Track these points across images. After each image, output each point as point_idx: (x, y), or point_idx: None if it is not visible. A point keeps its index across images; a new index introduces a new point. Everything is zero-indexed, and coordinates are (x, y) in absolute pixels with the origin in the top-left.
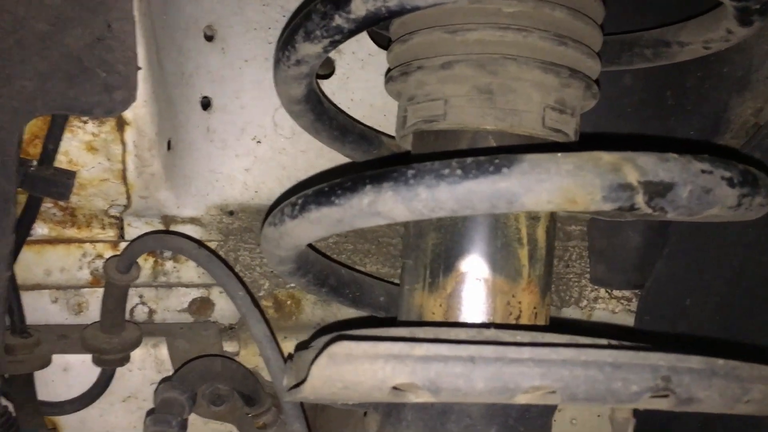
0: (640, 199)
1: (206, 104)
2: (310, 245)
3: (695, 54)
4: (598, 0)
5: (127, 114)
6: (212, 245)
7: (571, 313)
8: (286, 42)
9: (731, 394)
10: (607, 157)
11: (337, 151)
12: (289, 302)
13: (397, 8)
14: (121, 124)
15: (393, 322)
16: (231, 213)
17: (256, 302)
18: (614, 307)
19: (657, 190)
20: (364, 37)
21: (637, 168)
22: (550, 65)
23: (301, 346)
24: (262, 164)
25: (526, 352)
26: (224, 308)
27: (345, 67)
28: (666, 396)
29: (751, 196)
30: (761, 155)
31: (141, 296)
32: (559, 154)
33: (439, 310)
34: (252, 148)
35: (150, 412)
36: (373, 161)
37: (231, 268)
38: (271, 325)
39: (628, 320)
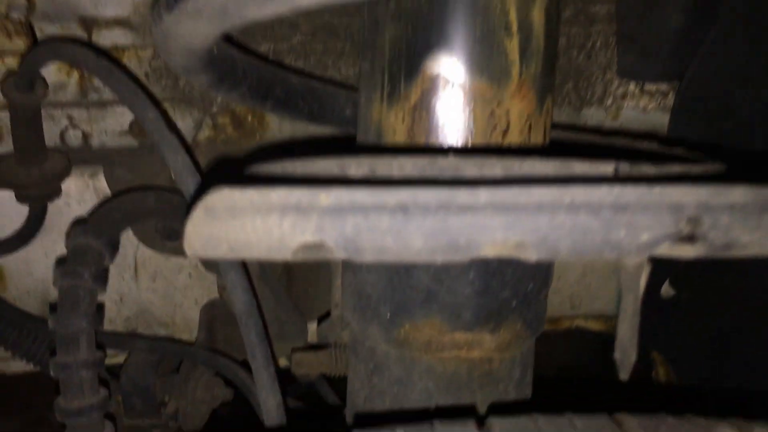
0: None
1: None
2: (244, 48)
3: None
4: None
5: None
6: (148, 53)
7: (593, 114)
8: None
9: None
10: None
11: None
12: (250, 118)
13: None
14: None
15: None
16: None
17: (172, 125)
18: (646, 103)
19: None
20: None
21: None
22: None
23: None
24: None
25: (483, 195)
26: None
27: None
28: (693, 242)
29: None
30: None
31: (70, 118)
32: None
33: (401, 127)
34: None
35: (61, 261)
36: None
37: (139, 82)
38: (192, 151)
39: (663, 120)
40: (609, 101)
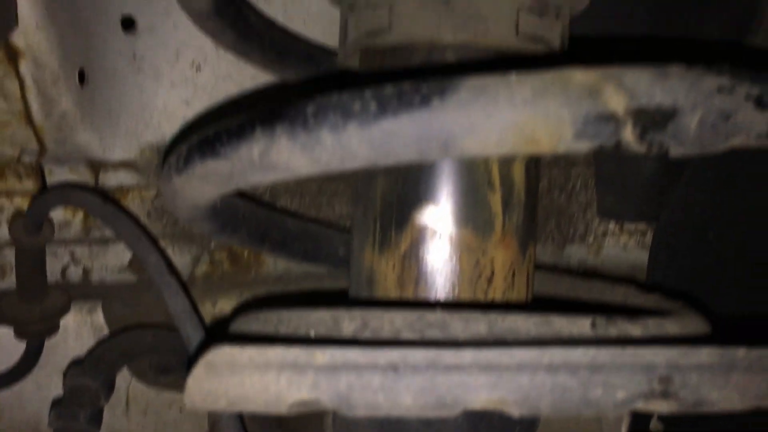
0: (628, 134)
1: (129, 25)
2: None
3: None
4: None
5: (18, 42)
6: (151, 193)
7: (576, 251)
8: None
9: (755, 391)
10: (580, 76)
11: (276, 76)
12: (246, 253)
13: None
14: (13, 55)
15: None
16: None
17: (173, 269)
18: (626, 242)
19: (653, 120)
20: None
21: (623, 89)
22: None
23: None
24: (204, 94)
25: (467, 356)
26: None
27: None
28: (665, 399)
29: None
30: None
31: (72, 254)
32: (513, 75)
33: (392, 274)
34: (190, 76)
35: (57, 403)
36: (313, 80)
37: (144, 227)
38: (192, 298)
39: (642, 257)
40: (590, 239)
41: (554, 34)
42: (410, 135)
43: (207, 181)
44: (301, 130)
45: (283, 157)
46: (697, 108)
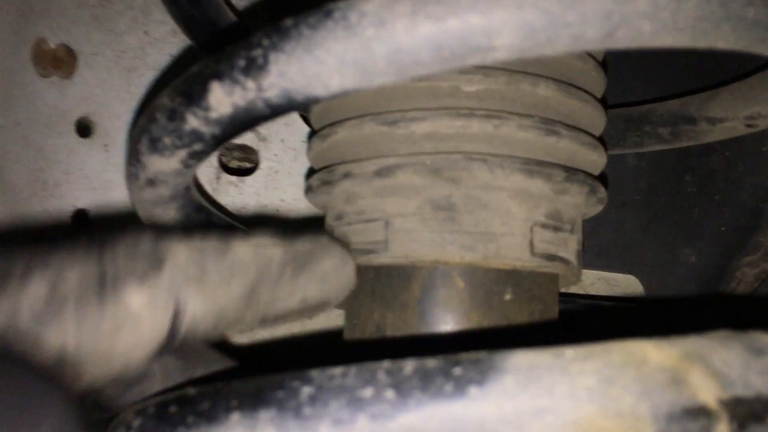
0: (724, 430)
1: (82, 219)
2: None
3: (732, 133)
4: (598, 67)
5: None
6: None
7: None
8: (130, 153)
9: None
10: (656, 356)
11: None
12: None
13: (283, 101)
14: None
15: None
16: None
17: None
18: None
19: (752, 412)
20: (296, 120)
21: (712, 374)
22: (537, 165)
23: None
24: None
25: None
26: None
27: (272, 159)
28: None
29: None
30: None
31: None
32: (571, 352)
33: None
34: None
35: None
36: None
37: None
38: None
39: None
40: None
41: (570, 251)
42: None
43: None
44: (292, 420)
45: None
46: None
